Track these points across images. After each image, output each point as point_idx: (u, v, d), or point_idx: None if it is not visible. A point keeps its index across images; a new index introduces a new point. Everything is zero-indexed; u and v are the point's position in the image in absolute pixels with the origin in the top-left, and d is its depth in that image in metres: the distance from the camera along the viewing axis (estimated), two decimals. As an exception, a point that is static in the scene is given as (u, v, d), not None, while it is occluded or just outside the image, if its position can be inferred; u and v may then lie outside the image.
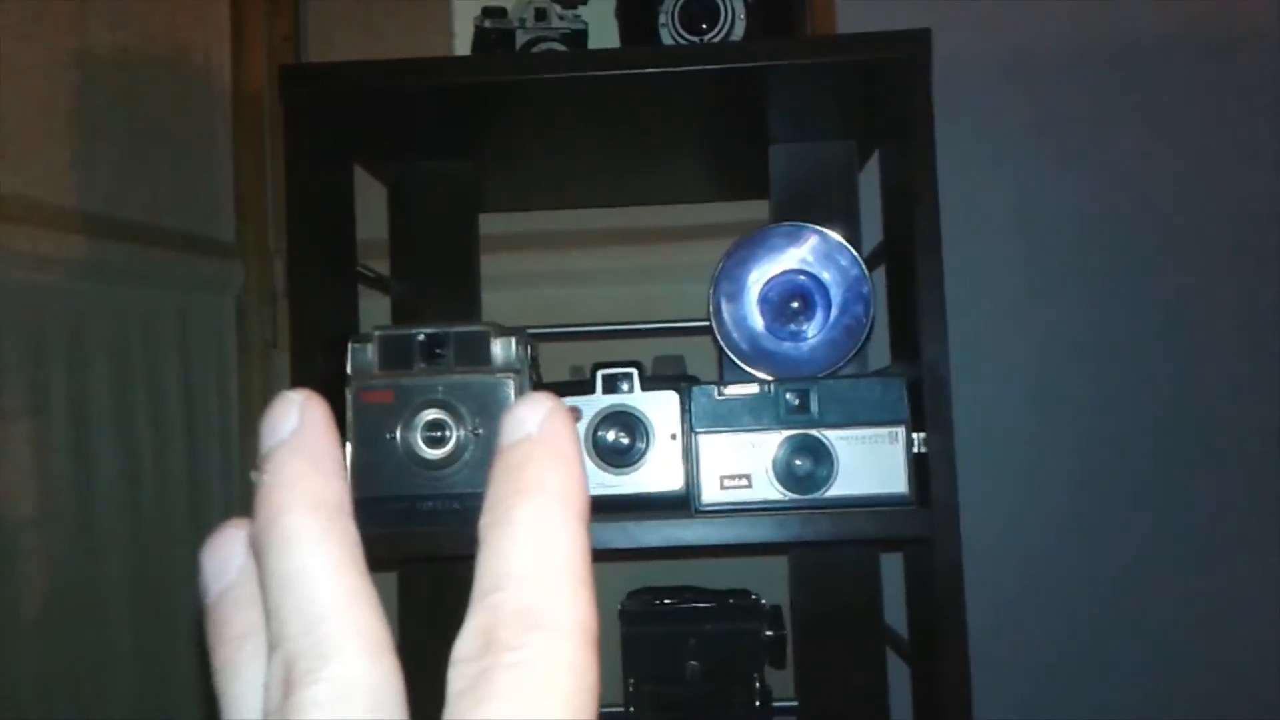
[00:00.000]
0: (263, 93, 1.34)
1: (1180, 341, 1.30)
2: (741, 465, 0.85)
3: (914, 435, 0.84)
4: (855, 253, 0.97)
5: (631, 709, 1.07)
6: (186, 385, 1.20)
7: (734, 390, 0.86)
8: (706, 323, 0.98)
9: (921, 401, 0.84)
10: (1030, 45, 1.33)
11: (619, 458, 0.89)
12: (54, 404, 1.01)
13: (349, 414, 0.82)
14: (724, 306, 0.98)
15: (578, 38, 1.01)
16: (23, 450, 0.97)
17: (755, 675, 1.06)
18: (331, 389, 0.84)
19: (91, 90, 1.09)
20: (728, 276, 0.98)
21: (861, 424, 0.84)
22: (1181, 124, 1.31)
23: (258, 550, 0.21)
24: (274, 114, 1.33)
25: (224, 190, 1.31)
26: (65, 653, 1.00)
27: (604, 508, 0.87)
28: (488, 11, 1.00)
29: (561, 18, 1.00)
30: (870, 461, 0.84)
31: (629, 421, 0.89)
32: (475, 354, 0.82)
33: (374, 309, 1.14)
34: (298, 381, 0.88)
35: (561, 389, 0.92)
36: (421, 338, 0.83)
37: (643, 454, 0.89)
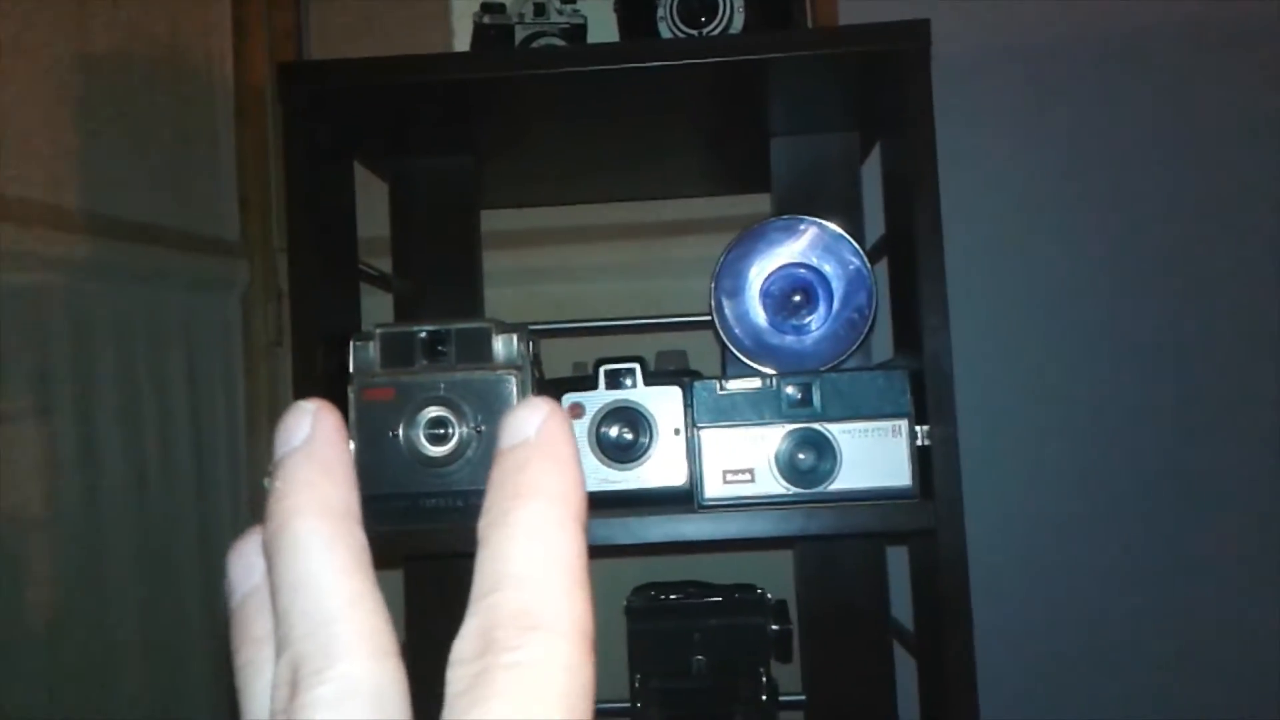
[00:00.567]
0: (265, 90, 1.34)
1: (1183, 332, 1.29)
2: (745, 460, 0.85)
3: (917, 428, 0.84)
4: (856, 245, 0.97)
5: (638, 704, 1.07)
6: (192, 384, 1.20)
7: (736, 385, 0.86)
8: (709, 317, 0.98)
9: (924, 394, 0.84)
10: (1031, 37, 1.32)
11: (622, 453, 0.89)
12: (60, 404, 1.01)
13: (351, 412, 0.82)
14: (725, 303, 0.97)
15: (577, 32, 1.01)
16: (30, 451, 0.97)
17: (761, 670, 1.06)
18: (334, 387, 0.84)
19: (94, 90, 1.09)
20: (728, 272, 0.98)
21: (864, 417, 0.84)
22: (1185, 115, 1.31)
23: (268, 554, 0.22)
24: (277, 111, 1.32)
25: (227, 188, 1.31)
26: (72, 653, 1.00)
27: (607, 503, 0.87)
28: (487, 7, 1.00)
29: (560, 12, 1.00)
30: (873, 455, 0.84)
31: (632, 417, 0.89)
32: (477, 351, 0.82)
33: (376, 306, 1.14)
34: (299, 379, 0.88)
35: (564, 385, 0.92)
36: (423, 335, 0.83)
37: (646, 449, 0.89)
